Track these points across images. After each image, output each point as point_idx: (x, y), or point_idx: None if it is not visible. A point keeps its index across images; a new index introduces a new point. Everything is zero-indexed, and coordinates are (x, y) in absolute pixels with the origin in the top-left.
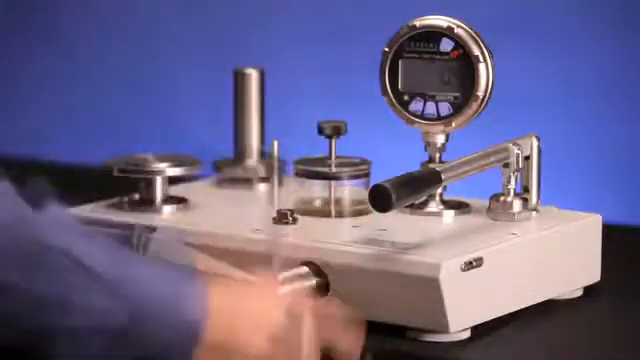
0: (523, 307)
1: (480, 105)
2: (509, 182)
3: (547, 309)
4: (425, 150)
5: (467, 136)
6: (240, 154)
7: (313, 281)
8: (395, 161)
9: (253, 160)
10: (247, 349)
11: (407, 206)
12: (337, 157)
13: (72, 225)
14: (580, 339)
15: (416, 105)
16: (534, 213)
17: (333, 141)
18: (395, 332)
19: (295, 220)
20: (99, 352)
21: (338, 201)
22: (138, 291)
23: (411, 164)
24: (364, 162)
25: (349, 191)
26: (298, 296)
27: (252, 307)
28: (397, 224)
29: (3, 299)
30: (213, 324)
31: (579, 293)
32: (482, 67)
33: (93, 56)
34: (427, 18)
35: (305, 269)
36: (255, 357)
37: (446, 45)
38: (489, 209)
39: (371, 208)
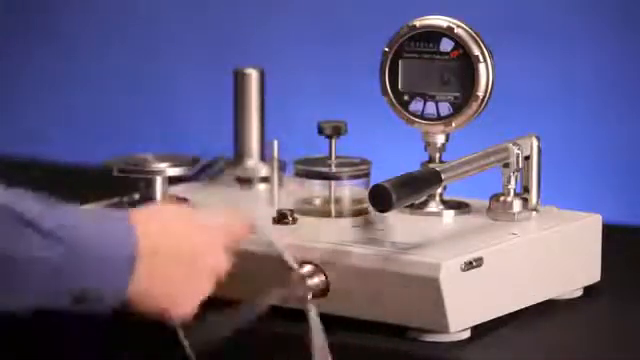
0: (523, 307)
1: (480, 105)
2: (509, 182)
3: (547, 309)
4: (425, 150)
5: (467, 136)
6: (240, 154)
7: (315, 280)
8: (395, 161)
9: (253, 160)
10: (173, 273)
11: (407, 206)
12: (337, 157)
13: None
14: (580, 339)
15: (416, 105)
16: (534, 213)
17: (333, 141)
18: (395, 332)
19: (295, 220)
20: (38, 290)
21: (338, 201)
22: (70, 232)
23: (411, 164)
24: (364, 162)
25: (349, 191)
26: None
27: (175, 229)
28: (397, 224)
29: None
30: (141, 256)
31: (579, 293)
32: (482, 67)
33: (93, 56)
34: (427, 18)
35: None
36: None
37: (446, 45)
38: (489, 209)
39: (371, 208)
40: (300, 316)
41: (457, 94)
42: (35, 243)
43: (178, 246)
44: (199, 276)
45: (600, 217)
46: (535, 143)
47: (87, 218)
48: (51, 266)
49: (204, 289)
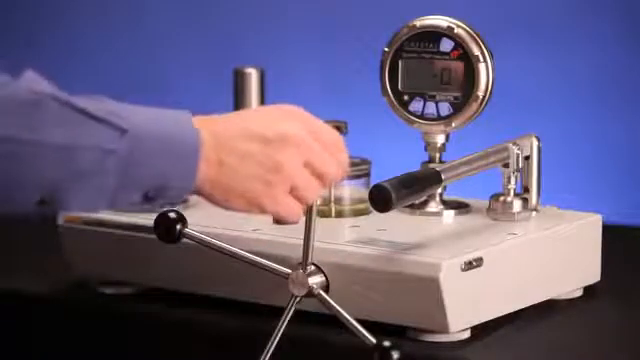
0: (523, 307)
1: (480, 105)
2: (509, 182)
3: (547, 309)
4: (425, 150)
5: (467, 136)
6: None
7: (316, 280)
8: (395, 161)
9: None
10: (243, 159)
11: (407, 206)
12: None
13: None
14: (580, 339)
15: (416, 105)
16: (534, 213)
17: None
18: (395, 332)
19: None
20: (107, 192)
21: (338, 201)
22: (130, 123)
23: (411, 164)
24: (364, 162)
25: (349, 191)
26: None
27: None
28: (397, 224)
29: (6, 153)
30: (207, 143)
31: (579, 293)
32: (482, 67)
33: (93, 55)
34: (427, 18)
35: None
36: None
37: (446, 45)
38: (489, 209)
39: (371, 208)
40: (299, 316)
41: (457, 94)
42: (96, 132)
43: (253, 124)
44: (288, 157)
45: (600, 217)
46: (535, 143)
47: (142, 109)
48: (118, 155)
49: (298, 175)
